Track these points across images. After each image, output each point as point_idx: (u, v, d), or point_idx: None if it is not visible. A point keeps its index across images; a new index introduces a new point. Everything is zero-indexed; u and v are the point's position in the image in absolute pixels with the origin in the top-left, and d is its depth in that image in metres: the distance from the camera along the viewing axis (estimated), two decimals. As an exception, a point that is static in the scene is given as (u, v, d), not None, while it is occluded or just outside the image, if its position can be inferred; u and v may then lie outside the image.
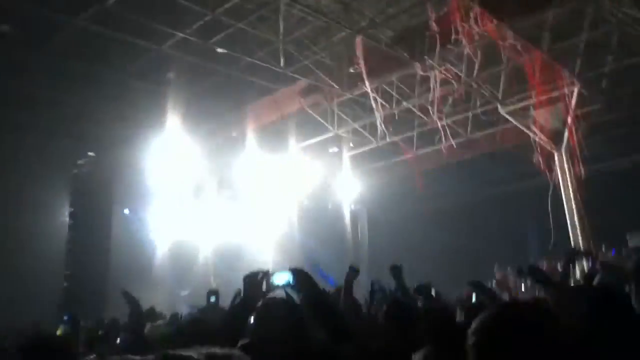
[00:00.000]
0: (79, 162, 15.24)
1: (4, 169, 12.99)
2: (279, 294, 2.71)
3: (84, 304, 13.08)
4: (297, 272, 2.58)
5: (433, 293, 6.01)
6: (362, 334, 3.44)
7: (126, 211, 16.56)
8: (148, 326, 5.91)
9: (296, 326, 2.32)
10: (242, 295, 2.88)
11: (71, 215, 15.21)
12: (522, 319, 1.41)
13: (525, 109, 13.61)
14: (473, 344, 1.40)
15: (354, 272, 4.45)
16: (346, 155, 17.34)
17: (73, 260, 14.55)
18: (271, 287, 2.64)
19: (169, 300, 15.74)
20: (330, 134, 15.98)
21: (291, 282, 2.57)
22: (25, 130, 12.69)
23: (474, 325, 1.45)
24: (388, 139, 16.13)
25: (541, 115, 13.53)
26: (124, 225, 16.13)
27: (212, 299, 7.84)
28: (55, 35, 10.90)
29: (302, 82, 13.77)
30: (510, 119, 13.71)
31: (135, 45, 11.23)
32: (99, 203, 15.34)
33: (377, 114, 14.37)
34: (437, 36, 11.41)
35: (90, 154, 15.09)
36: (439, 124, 14.20)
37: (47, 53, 11.18)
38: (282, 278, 2.63)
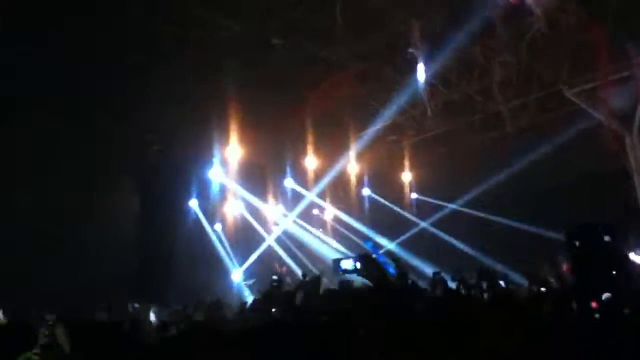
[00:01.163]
0: (148, 155, 15.70)
1: (76, 167, 13.46)
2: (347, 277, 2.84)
3: (153, 290, 13.66)
4: (365, 258, 2.68)
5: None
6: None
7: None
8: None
9: None
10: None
11: (143, 204, 15.85)
12: None
13: (593, 90, 13.01)
14: None
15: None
16: (406, 142, 17.20)
17: (143, 251, 15.16)
18: (340, 271, 2.77)
19: (236, 289, 16.30)
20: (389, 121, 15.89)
21: (358, 267, 2.68)
22: (93, 127, 13.15)
23: None
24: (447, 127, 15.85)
25: (610, 97, 12.91)
26: (190, 216, 16.72)
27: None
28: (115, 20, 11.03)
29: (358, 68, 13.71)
30: (576, 101, 13.15)
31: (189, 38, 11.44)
32: (167, 195, 15.88)
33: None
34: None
35: (157, 147, 15.55)
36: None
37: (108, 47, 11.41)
38: (348, 263, 2.75)
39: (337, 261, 2.57)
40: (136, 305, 11.25)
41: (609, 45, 11.35)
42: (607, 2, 10.68)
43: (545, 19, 11.32)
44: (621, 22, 10.97)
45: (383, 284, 2.64)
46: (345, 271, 2.59)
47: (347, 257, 2.65)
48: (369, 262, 2.69)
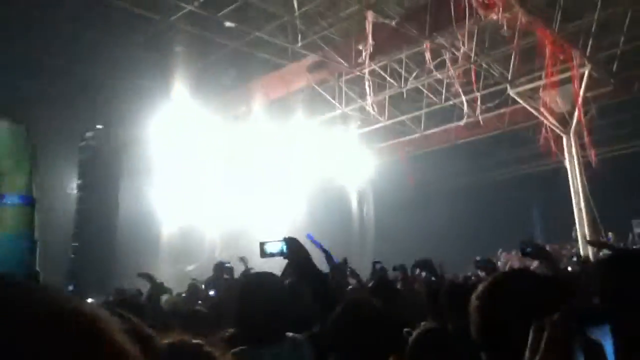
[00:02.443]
0: (88, 134, 15.28)
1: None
2: (273, 261, 2.79)
3: (90, 275, 13.25)
4: (290, 241, 2.64)
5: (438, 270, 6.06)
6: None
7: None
8: (164, 298, 6.00)
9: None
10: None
11: (79, 187, 15.31)
12: (518, 282, 1.49)
13: (535, 90, 13.47)
14: (476, 307, 1.46)
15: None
16: (353, 133, 17.29)
17: (80, 232, 14.65)
18: (266, 255, 2.70)
19: (175, 274, 15.92)
20: (337, 112, 15.92)
21: (284, 250, 2.62)
22: (34, 101, 12.70)
23: (477, 290, 1.51)
24: (396, 119, 16.10)
25: (550, 97, 13.40)
26: (131, 198, 16.21)
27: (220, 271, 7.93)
28: (62, 6, 10.88)
29: (310, 58, 13.69)
30: (519, 100, 13.59)
31: (144, 16, 11.20)
32: (107, 176, 15.40)
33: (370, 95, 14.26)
34: (447, 13, 11.31)
35: (99, 126, 15.14)
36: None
37: (56, 21, 11.16)
38: (275, 246, 2.68)
39: (263, 244, 2.56)
40: (70, 288, 10.85)
41: (552, 46, 11.76)
42: (554, 4, 11.01)
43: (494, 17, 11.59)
44: (565, 25, 11.37)
45: (306, 269, 2.61)
46: (272, 254, 2.57)
47: (274, 241, 2.63)
48: (294, 245, 2.64)
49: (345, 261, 6.11)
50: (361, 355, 2.02)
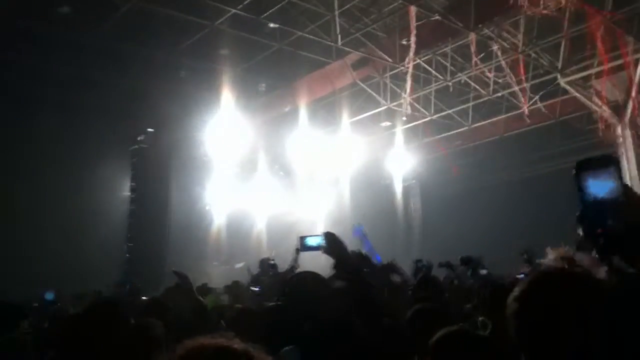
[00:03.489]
0: (139, 138, 15.72)
1: (69, 149, 13.60)
2: (312, 254, 2.83)
3: (144, 274, 13.62)
4: (328, 235, 2.67)
5: (484, 271, 5.97)
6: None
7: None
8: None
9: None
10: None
11: (132, 189, 15.76)
12: (561, 284, 1.37)
13: (587, 79, 13.05)
14: (515, 311, 1.38)
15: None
16: (399, 128, 17.17)
17: (135, 233, 15.07)
18: (306, 248, 2.76)
19: (225, 272, 16.24)
20: (382, 108, 15.85)
21: (323, 244, 2.67)
22: (86, 111, 13.18)
23: (515, 292, 1.42)
24: (442, 112, 15.91)
25: (603, 86, 12.96)
26: (181, 198, 16.60)
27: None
28: (110, 17, 11.23)
29: (354, 55, 13.68)
30: (570, 89, 13.18)
31: (188, 22, 11.45)
32: (158, 177, 15.79)
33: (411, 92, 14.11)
34: (492, 4, 11.09)
35: (149, 130, 15.55)
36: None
37: (102, 35, 11.54)
38: (314, 240, 2.74)
39: (303, 238, 2.61)
40: (127, 287, 11.19)
41: (604, 35, 11.36)
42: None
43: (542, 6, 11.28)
44: (617, 10, 10.96)
45: (343, 264, 2.62)
46: (310, 248, 2.64)
47: (314, 235, 2.67)
48: (333, 240, 2.67)
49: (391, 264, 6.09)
50: None
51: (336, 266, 2.62)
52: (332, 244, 2.64)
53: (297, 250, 7.22)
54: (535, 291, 1.38)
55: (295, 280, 2.51)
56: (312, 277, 2.56)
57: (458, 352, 1.94)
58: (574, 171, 1.12)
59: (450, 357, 1.88)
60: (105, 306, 2.85)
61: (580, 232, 1.08)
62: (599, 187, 1.05)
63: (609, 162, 1.05)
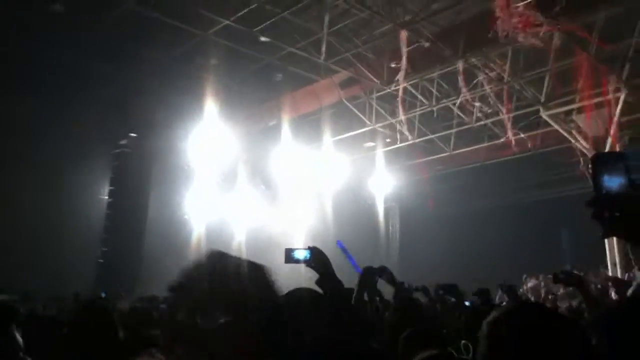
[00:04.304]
0: (121, 142, 15.61)
1: (47, 147, 13.43)
2: (297, 267, 2.89)
3: (118, 280, 13.45)
4: (313, 250, 2.74)
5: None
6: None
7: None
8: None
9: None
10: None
11: (111, 193, 15.61)
12: (534, 318, 1.43)
13: (568, 113, 13.34)
14: (485, 335, 1.43)
15: (372, 272, 4.30)
16: (381, 150, 17.32)
17: (110, 238, 14.91)
18: (292, 260, 2.82)
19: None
20: (367, 128, 15.99)
21: (308, 257, 2.74)
22: (71, 107, 13.06)
23: (490, 316, 1.48)
24: (425, 137, 16.10)
25: (584, 121, 13.26)
26: (160, 205, 16.48)
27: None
28: (104, 16, 11.21)
29: (342, 74, 13.81)
30: (551, 122, 13.46)
31: (181, 30, 11.47)
32: (138, 183, 15.67)
33: (402, 115, 14.29)
34: (481, 34, 11.30)
35: (132, 134, 15.46)
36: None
37: (95, 33, 11.51)
38: (300, 254, 2.81)
39: (289, 251, 2.60)
40: (103, 294, 11.03)
41: (588, 71, 11.65)
42: (591, 29, 10.92)
43: (529, 40, 11.54)
44: (602, 49, 11.26)
45: (326, 278, 2.66)
46: (296, 261, 2.66)
47: (299, 248, 2.67)
48: (318, 254, 2.75)
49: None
50: None
51: (319, 281, 2.66)
52: (318, 258, 2.70)
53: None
54: (506, 320, 1.44)
55: (292, 297, 2.52)
56: (308, 293, 2.58)
57: None
58: (590, 163, 1.22)
59: None
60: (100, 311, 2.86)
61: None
62: (612, 180, 1.15)
63: (620, 158, 1.17)
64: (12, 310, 3.28)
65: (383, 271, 4.39)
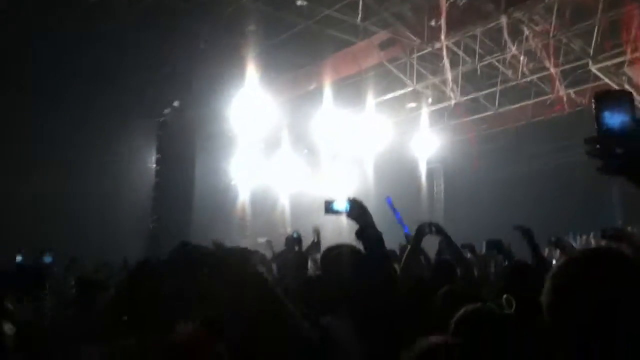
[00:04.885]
0: (164, 111, 15.89)
1: (96, 119, 13.80)
2: (337, 218, 2.89)
3: (169, 247, 13.88)
4: (353, 201, 2.73)
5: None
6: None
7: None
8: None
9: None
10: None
11: (158, 161, 15.98)
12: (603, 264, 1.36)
13: (619, 65, 12.76)
14: (551, 287, 1.37)
15: (426, 227, 4.29)
16: (425, 110, 17.04)
17: (159, 205, 15.33)
18: (331, 211, 2.81)
19: (250, 247, 16.40)
20: (408, 89, 15.74)
21: (348, 209, 2.73)
22: (114, 79, 13.31)
23: (553, 269, 1.43)
24: (468, 96, 15.72)
25: (636, 73, 12.67)
26: (207, 172, 16.80)
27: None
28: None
29: (381, 35, 13.56)
30: (601, 76, 12.92)
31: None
32: (183, 151, 15.98)
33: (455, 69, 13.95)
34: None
35: (175, 103, 15.70)
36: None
37: (136, 3, 11.60)
38: (340, 205, 2.79)
39: (329, 202, 2.60)
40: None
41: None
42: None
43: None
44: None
45: (366, 230, 2.66)
46: (335, 212, 2.65)
47: (339, 200, 2.67)
48: (358, 206, 2.72)
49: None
50: None
51: (359, 233, 2.67)
52: (358, 209, 2.70)
53: (317, 232, 7.15)
54: (574, 268, 1.39)
55: (334, 253, 2.56)
56: (350, 249, 2.61)
57: (482, 330, 1.89)
58: (593, 102, 1.21)
59: (473, 334, 1.85)
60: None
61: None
62: (612, 118, 1.13)
63: (624, 97, 1.15)
64: (42, 274, 3.46)
65: (437, 227, 4.38)
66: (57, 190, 12.86)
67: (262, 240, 16.28)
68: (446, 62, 13.55)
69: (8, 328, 2.99)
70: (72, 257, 8.54)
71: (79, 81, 12.93)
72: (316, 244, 6.83)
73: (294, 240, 7.96)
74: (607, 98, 1.17)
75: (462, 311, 1.94)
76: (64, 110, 13.14)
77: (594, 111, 1.17)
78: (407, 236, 5.13)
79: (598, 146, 1.15)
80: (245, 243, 16.30)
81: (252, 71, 13.64)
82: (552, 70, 13.42)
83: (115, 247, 11.85)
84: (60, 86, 12.67)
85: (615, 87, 12.70)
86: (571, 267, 1.40)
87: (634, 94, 12.05)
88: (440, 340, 1.58)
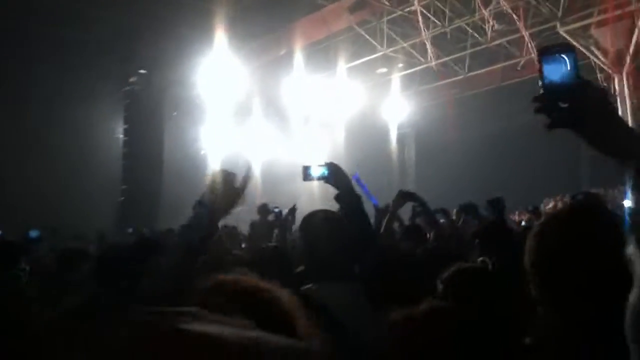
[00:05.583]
0: (131, 79, 15.46)
1: (59, 88, 13.39)
2: (315, 184, 2.84)
3: (139, 216, 13.73)
4: (331, 166, 2.68)
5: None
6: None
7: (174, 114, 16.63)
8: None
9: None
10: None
11: (125, 131, 15.64)
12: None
13: (586, 28, 12.86)
14: (536, 246, 1.38)
15: (406, 196, 4.34)
16: (395, 75, 17.00)
17: (128, 175, 15.06)
18: (309, 178, 2.76)
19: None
20: (379, 54, 15.63)
21: (326, 174, 2.68)
22: (78, 49, 12.92)
23: (535, 228, 1.44)
24: (438, 60, 15.70)
25: (603, 36, 12.80)
26: (175, 140, 16.53)
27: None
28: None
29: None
30: (569, 38, 13.00)
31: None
32: (151, 119, 15.64)
33: (424, 34, 13.89)
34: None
35: (142, 71, 15.29)
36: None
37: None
38: (318, 170, 2.74)
39: (306, 168, 2.58)
40: (130, 230, 11.23)
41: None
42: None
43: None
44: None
45: (345, 194, 2.64)
46: (314, 178, 2.62)
47: (317, 165, 2.65)
48: (336, 171, 2.69)
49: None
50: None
51: (338, 197, 2.64)
52: (336, 174, 2.66)
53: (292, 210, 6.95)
54: (556, 223, 1.41)
55: (316, 219, 2.53)
56: (330, 214, 2.57)
57: (474, 286, 1.94)
58: (536, 58, 1.20)
59: (465, 290, 1.89)
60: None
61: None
62: (554, 72, 1.13)
63: (564, 49, 1.14)
64: (19, 247, 3.36)
65: (413, 195, 4.41)
66: (24, 163, 12.56)
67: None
68: (421, 22, 13.45)
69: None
70: (52, 227, 8.41)
71: (45, 53, 12.52)
72: (292, 210, 6.73)
73: (274, 212, 7.88)
74: (548, 52, 1.16)
75: (451, 271, 1.96)
76: (30, 82, 12.74)
77: (537, 66, 1.17)
78: (376, 208, 5.15)
79: (540, 101, 1.14)
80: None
81: (221, 36, 13.35)
82: (524, 32, 13.46)
83: (85, 218, 11.68)
84: (25, 58, 12.25)
85: (582, 49, 12.84)
86: (556, 225, 1.41)
87: (599, 55, 12.23)
88: (442, 304, 1.59)
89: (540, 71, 1.15)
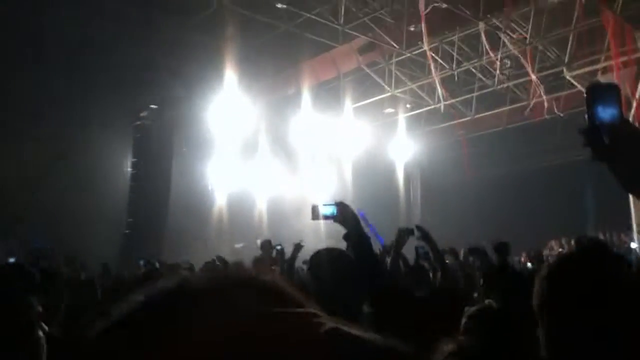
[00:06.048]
0: (142, 114, 15.67)
1: (71, 121, 13.55)
2: (324, 223, 2.83)
3: (143, 250, 13.70)
4: (340, 205, 2.68)
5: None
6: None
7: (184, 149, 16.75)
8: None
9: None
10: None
11: (134, 165, 15.76)
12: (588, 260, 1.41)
13: (593, 73, 13.02)
14: (544, 285, 1.40)
15: (406, 233, 4.35)
16: (402, 116, 17.16)
17: (135, 208, 15.11)
18: (318, 217, 2.76)
19: (225, 252, 16.27)
20: (386, 94, 15.84)
21: (335, 213, 2.68)
22: (90, 77, 13.09)
23: (542, 271, 1.45)
24: (446, 101, 15.88)
25: (609, 81, 12.93)
26: (183, 175, 16.61)
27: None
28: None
29: (360, 40, 13.62)
30: (575, 83, 13.16)
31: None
32: (160, 154, 15.77)
33: (435, 75, 14.09)
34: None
35: (152, 106, 15.51)
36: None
37: (110, 3, 11.45)
38: (327, 209, 2.73)
39: (315, 207, 2.58)
40: (141, 262, 11.18)
41: (614, 29, 11.32)
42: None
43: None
44: (628, 6, 10.91)
45: (354, 233, 2.63)
46: (323, 217, 2.62)
47: (326, 204, 2.65)
48: (345, 209, 2.68)
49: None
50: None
51: (347, 236, 2.64)
52: (345, 213, 2.66)
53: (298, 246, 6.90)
54: (566, 265, 1.43)
55: (324, 257, 2.52)
56: (339, 253, 2.57)
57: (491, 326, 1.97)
58: (584, 94, 1.26)
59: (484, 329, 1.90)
60: None
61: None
62: (604, 110, 1.20)
63: (613, 89, 1.20)
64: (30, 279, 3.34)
65: (422, 231, 4.42)
66: (34, 190, 12.63)
67: (239, 245, 16.23)
68: (431, 63, 13.66)
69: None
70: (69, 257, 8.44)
71: (57, 84, 12.71)
72: (297, 248, 6.72)
73: (277, 250, 7.88)
74: (599, 91, 1.23)
75: (472, 310, 1.98)
76: (41, 111, 12.91)
77: (586, 102, 1.23)
78: (383, 247, 5.16)
79: (589, 137, 1.20)
80: (222, 248, 16.22)
81: (231, 74, 13.57)
82: (533, 76, 13.63)
83: (93, 250, 11.64)
84: (36, 87, 12.43)
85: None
86: (567, 266, 1.44)
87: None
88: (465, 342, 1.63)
89: (589, 107, 1.21)
